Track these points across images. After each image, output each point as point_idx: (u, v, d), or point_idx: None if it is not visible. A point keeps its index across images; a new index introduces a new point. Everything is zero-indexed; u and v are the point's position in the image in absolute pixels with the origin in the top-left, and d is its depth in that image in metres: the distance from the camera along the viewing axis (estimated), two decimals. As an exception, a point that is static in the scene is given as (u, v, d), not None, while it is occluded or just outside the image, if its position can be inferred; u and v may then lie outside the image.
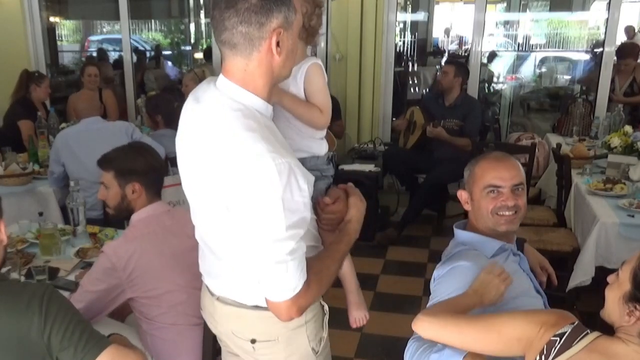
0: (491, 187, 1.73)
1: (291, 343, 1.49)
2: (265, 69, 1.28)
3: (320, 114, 1.55)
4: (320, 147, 1.60)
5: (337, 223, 1.52)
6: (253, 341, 1.47)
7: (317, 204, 1.52)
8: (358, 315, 1.75)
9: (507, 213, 1.72)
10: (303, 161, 1.46)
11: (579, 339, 1.29)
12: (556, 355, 1.28)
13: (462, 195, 1.83)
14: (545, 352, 1.30)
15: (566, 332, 1.30)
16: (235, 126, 1.24)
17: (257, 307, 1.42)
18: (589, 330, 1.30)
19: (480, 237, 1.75)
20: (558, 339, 1.29)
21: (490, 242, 1.73)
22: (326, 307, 1.59)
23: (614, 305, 1.32)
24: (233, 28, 1.22)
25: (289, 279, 1.27)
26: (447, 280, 1.63)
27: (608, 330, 1.35)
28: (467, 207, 1.81)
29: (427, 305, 1.66)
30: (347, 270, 1.70)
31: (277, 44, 1.25)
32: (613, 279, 1.35)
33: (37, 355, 1.33)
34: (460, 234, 1.81)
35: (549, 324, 1.33)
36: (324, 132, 1.62)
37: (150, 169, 2.09)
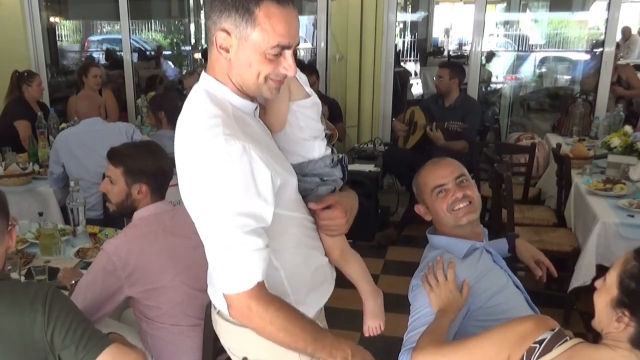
0: (437, 188, 1.79)
1: None
2: (222, 66, 1.30)
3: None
4: (309, 149, 1.46)
5: (337, 230, 1.47)
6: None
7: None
8: (372, 324, 1.66)
9: (461, 205, 1.77)
10: (300, 166, 1.44)
11: (558, 344, 1.28)
12: None
13: (419, 209, 1.88)
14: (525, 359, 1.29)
15: (546, 338, 1.29)
16: (199, 112, 1.27)
17: None
18: (568, 337, 1.30)
19: (450, 240, 1.79)
20: (538, 345, 1.29)
21: (460, 242, 1.76)
22: None
23: (602, 311, 1.30)
24: (204, 18, 1.31)
25: (239, 270, 1.23)
26: (424, 291, 1.65)
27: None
28: (427, 218, 1.86)
29: (409, 319, 1.66)
30: (359, 274, 1.61)
31: (226, 49, 1.26)
32: (600, 284, 1.33)
33: (40, 353, 1.33)
34: (432, 239, 1.86)
35: (526, 333, 1.32)
36: (314, 133, 1.46)
37: (159, 172, 2.06)
